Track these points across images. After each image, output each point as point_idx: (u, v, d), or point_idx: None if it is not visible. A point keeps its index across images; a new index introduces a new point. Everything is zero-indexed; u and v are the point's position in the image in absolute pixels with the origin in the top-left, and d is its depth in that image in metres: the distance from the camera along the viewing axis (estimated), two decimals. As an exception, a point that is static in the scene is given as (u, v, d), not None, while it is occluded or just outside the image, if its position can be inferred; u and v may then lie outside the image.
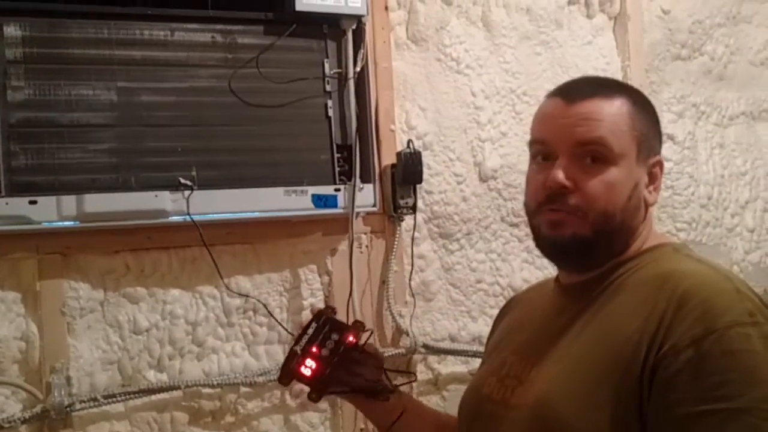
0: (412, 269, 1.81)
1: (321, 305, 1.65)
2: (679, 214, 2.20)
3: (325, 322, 1.26)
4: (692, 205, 2.23)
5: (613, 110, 1.03)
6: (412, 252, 1.81)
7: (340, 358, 1.24)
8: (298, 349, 1.25)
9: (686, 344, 0.86)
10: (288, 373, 1.25)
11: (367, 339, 1.27)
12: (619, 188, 1.02)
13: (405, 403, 1.30)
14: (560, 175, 1.01)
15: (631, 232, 1.04)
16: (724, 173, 2.31)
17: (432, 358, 1.83)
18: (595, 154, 1.00)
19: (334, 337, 1.24)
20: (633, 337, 0.90)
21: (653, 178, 1.04)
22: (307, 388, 1.23)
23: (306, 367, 1.23)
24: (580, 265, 1.09)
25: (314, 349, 1.24)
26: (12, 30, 1.41)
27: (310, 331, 1.26)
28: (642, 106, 1.05)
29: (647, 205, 1.04)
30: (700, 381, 0.84)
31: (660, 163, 1.04)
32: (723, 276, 0.93)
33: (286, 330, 1.67)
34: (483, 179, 1.93)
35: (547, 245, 1.05)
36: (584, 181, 1.00)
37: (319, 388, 1.24)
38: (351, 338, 1.25)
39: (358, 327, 1.28)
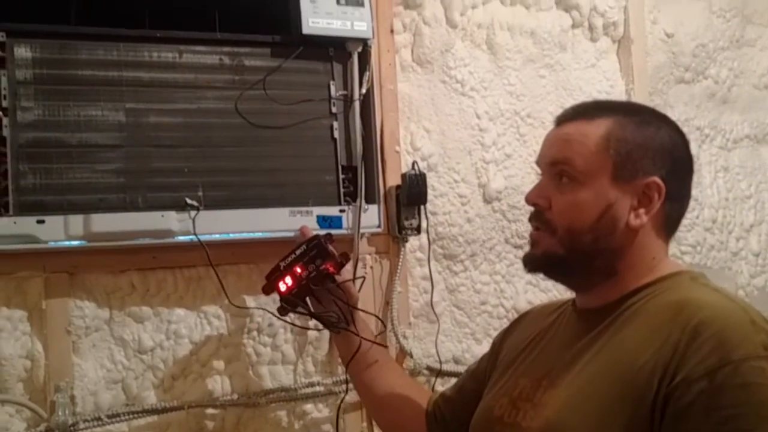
0: (433, 291, 1.82)
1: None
2: (683, 237, 2.20)
3: (315, 246, 1.39)
4: (696, 228, 2.23)
5: (587, 131, 1.06)
6: (429, 271, 1.82)
7: (309, 281, 1.40)
8: (282, 264, 1.42)
9: (700, 375, 0.86)
10: (269, 285, 1.42)
11: (340, 267, 1.42)
12: (586, 207, 1.04)
13: (377, 354, 1.44)
14: (531, 193, 1.11)
15: (615, 254, 1.04)
16: (728, 196, 2.31)
17: (436, 381, 1.83)
18: (564, 174, 1.06)
19: (318, 262, 1.36)
20: (646, 365, 0.91)
21: (646, 201, 1.04)
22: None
23: (283, 282, 1.42)
24: (568, 283, 1.13)
25: (298, 270, 1.44)
26: (22, 51, 1.42)
27: (299, 251, 1.39)
28: (636, 126, 1.05)
29: (630, 228, 1.04)
30: (712, 413, 0.85)
31: (656, 185, 1.03)
32: (739, 307, 0.93)
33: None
34: (487, 201, 1.94)
35: (523, 261, 1.12)
36: (555, 200, 1.06)
37: (287, 304, 1.39)
38: (330, 267, 1.35)
39: (340, 258, 1.39)
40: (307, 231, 1.52)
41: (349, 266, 1.47)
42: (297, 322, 1.63)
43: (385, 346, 1.44)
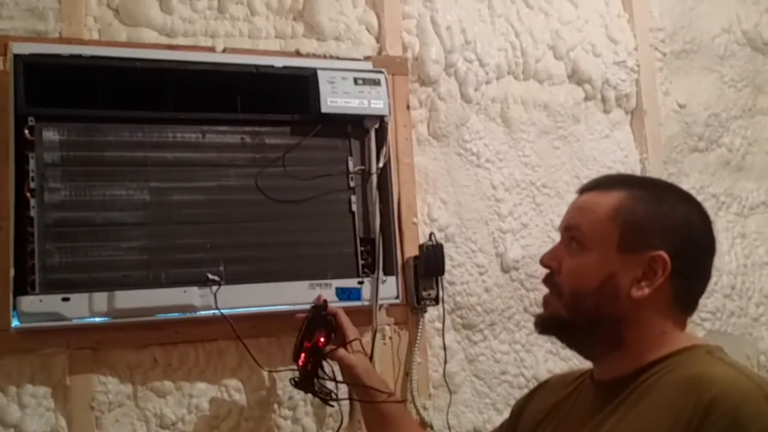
0: (448, 363, 1.82)
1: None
2: (702, 304, 2.18)
3: (313, 317, 1.49)
4: (716, 295, 2.23)
5: (600, 200, 1.09)
6: (443, 343, 1.82)
7: (306, 357, 1.48)
8: (297, 343, 1.49)
9: None
10: (297, 365, 1.49)
11: (327, 341, 1.48)
12: (589, 272, 1.06)
13: (392, 410, 1.47)
14: (545, 255, 1.15)
15: (618, 323, 1.05)
16: (746, 263, 2.31)
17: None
18: (573, 239, 1.09)
19: (316, 335, 1.40)
20: None
21: (650, 274, 1.05)
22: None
23: (301, 360, 1.49)
24: (577, 348, 1.15)
25: (307, 345, 1.49)
26: (50, 134, 1.47)
27: (304, 327, 1.49)
28: (649, 201, 1.08)
29: (633, 299, 1.04)
30: None
31: (661, 260, 1.04)
32: (754, 384, 0.93)
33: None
34: (505, 270, 1.95)
35: (534, 322, 1.16)
36: (564, 263, 1.08)
37: (304, 379, 1.48)
38: (321, 339, 1.45)
39: (324, 329, 1.47)
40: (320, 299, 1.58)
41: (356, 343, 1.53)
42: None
43: (402, 400, 1.46)
